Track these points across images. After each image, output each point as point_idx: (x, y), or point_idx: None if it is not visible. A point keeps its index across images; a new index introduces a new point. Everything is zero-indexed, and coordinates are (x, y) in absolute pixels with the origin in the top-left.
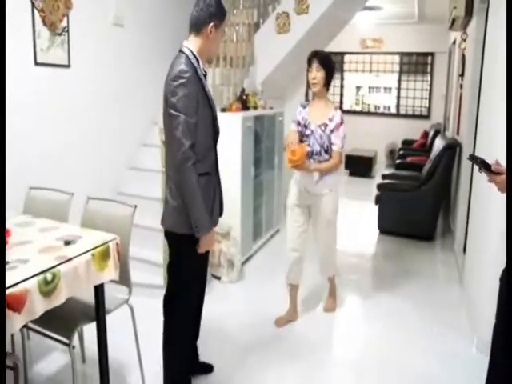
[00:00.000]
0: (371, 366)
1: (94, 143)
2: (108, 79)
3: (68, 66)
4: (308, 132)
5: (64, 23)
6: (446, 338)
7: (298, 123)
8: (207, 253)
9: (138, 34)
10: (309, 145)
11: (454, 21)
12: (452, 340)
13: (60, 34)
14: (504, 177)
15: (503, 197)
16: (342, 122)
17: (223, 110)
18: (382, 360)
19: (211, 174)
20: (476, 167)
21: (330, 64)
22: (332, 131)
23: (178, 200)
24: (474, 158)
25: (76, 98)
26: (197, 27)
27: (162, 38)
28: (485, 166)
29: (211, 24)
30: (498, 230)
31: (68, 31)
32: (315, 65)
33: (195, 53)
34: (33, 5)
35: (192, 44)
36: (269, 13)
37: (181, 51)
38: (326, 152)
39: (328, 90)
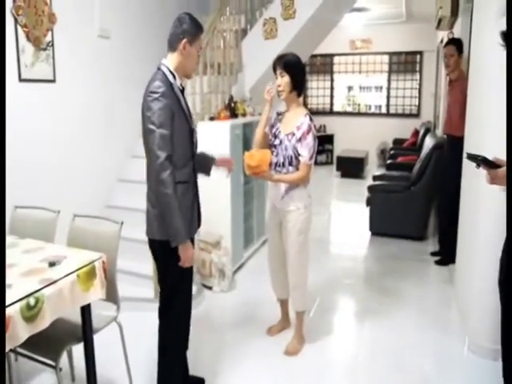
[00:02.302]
0: (363, 367)
1: (81, 157)
2: (94, 92)
3: (53, 81)
4: (277, 142)
5: (48, 38)
6: (437, 339)
7: (271, 127)
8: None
9: (125, 46)
10: (275, 156)
11: (440, 20)
12: (444, 341)
13: (45, 49)
14: (504, 168)
15: (492, 196)
16: (309, 130)
17: (211, 118)
18: (373, 361)
19: (189, 183)
20: (473, 164)
21: (295, 66)
22: (299, 140)
23: (158, 209)
24: (473, 157)
25: (62, 112)
26: (171, 44)
27: (149, 50)
28: (486, 163)
29: (184, 40)
30: (487, 229)
31: (53, 45)
32: (278, 70)
33: (172, 69)
34: (16, 20)
35: (169, 61)
36: (256, 19)
37: (158, 68)
38: (291, 164)
39: (300, 95)
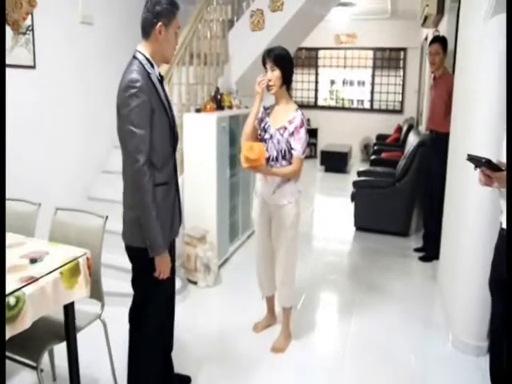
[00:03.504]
0: (348, 364)
1: (63, 146)
2: (76, 80)
3: (33, 67)
4: (267, 136)
5: (28, 22)
6: (422, 335)
7: (260, 121)
8: (173, 264)
9: (108, 33)
10: (266, 150)
11: (426, 18)
12: (428, 337)
13: (24, 34)
14: (504, 172)
15: (477, 193)
16: (302, 125)
17: (198, 110)
18: (358, 357)
19: (169, 184)
20: (471, 166)
21: (286, 60)
22: (292, 134)
23: (134, 213)
24: (476, 159)
25: (42, 99)
26: (145, 29)
27: (133, 37)
28: (490, 166)
29: (159, 24)
30: (472, 227)
31: (33, 30)
32: (269, 64)
33: (148, 57)
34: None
35: (144, 48)
36: (243, 9)
37: (134, 57)
38: (284, 158)
39: (289, 88)
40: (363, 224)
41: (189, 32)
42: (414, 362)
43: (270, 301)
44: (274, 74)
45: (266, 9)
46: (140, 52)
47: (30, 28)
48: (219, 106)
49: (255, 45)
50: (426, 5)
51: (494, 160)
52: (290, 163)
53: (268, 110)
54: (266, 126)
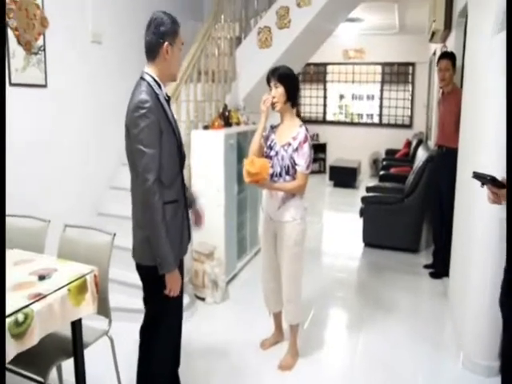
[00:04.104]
0: (357, 381)
1: (73, 163)
2: (86, 97)
3: (45, 86)
4: (272, 153)
5: (40, 42)
6: (431, 354)
7: (266, 139)
8: (183, 276)
9: (117, 51)
10: (271, 166)
11: (433, 33)
12: (438, 356)
13: (36, 53)
14: None
15: (486, 209)
16: (306, 140)
17: (205, 127)
18: (365, 376)
19: (178, 201)
20: (478, 183)
21: (289, 78)
22: (295, 150)
23: (145, 232)
24: (481, 176)
25: (53, 117)
26: (152, 52)
27: (142, 55)
28: (494, 183)
29: (165, 44)
30: (482, 244)
31: (44, 50)
32: (273, 82)
33: (156, 78)
34: (6, 23)
35: (151, 69)
36: (251, 27)
37: (141, 78)
38: (288, 173)
39: (294, 106)
40: (372, 240)
41: (197, 50)
42: (422, 381)
43: (277, 317)
44: (278, 91)
45: (274, 26)
46: (147, 73)
47: (42, 48)
48: (227, 122)
49: (263, 62)
50: (433, 20)
51: (499, 177)
52: (294, 179)
53: (274, 129)
54: (272, 144)
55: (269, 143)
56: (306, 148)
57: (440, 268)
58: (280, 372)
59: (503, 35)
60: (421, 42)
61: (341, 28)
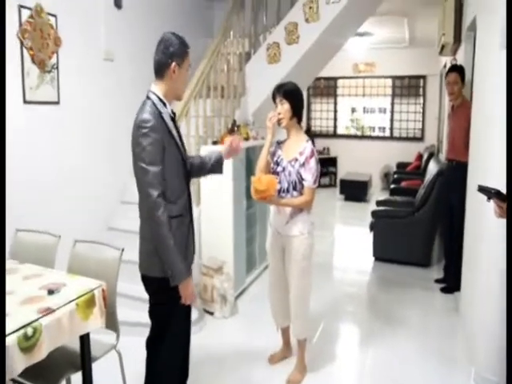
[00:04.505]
0: None
1: (85, 178)
2: (97, 113)
3: (57, 103)
4: (279, 169)
5: (53, 60)
6: (442, 370)
7: (273, 155)
8: None
9: (129, 68)
10: (278, 182)
11: (443, 47)
12: (449, 372)
13: (49, 72)
14: None
15: (497, 224)
16: (312, 155)
17: (214, 142)
18: None
19: (183, 216)
20: (484, 197)
21: (294, 94)
22: (302, 165)
23: (151, 245)
24: (485, 190)
25: (66, 133)
26: (160, 71)
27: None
28: (499, 197)
29: (173, 64)
30: (492, 258)
31: (57, 68)
32: (279, 98)
33: (161, 96)
34: (21, 43)
35: (158, 88)
36: (260, 43)
37: (147, 97)
38: (295, 189)
39: (299, 121)
40: (382, 254)
41: (206, 66)
42: None
43: (286, 332)
44: (284, 108)
45: (282, 42)
46: (153, 92)
47: (55, 66)
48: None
49: (272, 77)
50: (443, 34)
51: (504, 190)
52: (302, 194)
53: (281, 144)
54: (279, 160)
55: (275, 159)
56: (313, 163)
57: (452, 283)
58: None
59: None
60: (431, 54)
61: (350, 42)
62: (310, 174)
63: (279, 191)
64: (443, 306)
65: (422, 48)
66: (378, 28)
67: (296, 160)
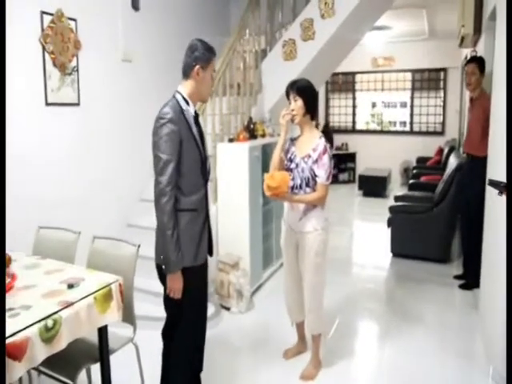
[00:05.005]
0: None
1: (105, 177)
2: (117, 113)
3: (78, 104)
4: (293, 166)
5: (73, 63)
6: (460, 367)
7: (287, 152)
8: (204, 284)
9: (147, 68)
10: (292, 179)
11: (463, 38)
12: (467, 369)
13: (70, 74)
14: None
15: None
16: (325, 151)
17: (231, 140)
18: None
19: (198, 211)
20: (495, 191)
21: (307, 90)
22: (315, 162)
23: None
24: (495, 184)
25: (86, 133)
26: (185, 72)
27: (171, 72)
28: (507, 190)
29: (197, 67)
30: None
31: (77, 70)
32: (292, 95)
33: (186, 96)
34: (43, 48)
35: (183, 87)
36: (276, 39)
37: (173, 96)
38: (308, 185)
39: (313, 118)
40: (400, 250)
41: (222, 64)
42: None
43: (300, 327)
44: (297, 104)
45: (298, 38)
46: (179, 92)
47: (75, 69)
48: (252, 135)
49: (288, 74)
50: (462, 25)
51: None
52: (315, 190)
53: (294, 141)
54: (292, 156)
55: (289, 156)
56: (326, 159)
57: (471, 279)
58: (302, 382)
59: None
60: (452, 46)
61: (369, 36)
62: (323, 170)
63: (292, 188)
64: (462, 303)
65: (442, 40)
66: (395, 21)
67: (309, 156)
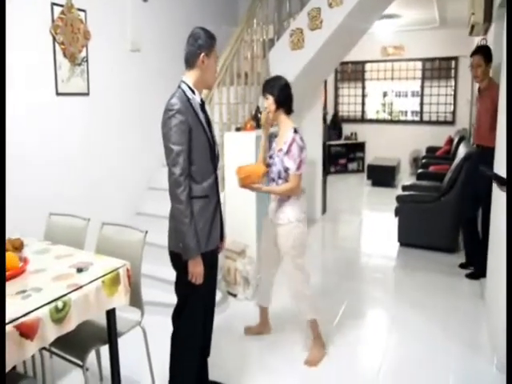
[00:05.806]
0: (387, 381)
1: (114, 165)
2: (126, 103)
3: (87, 94)
4: (271, 161)
5: (83, 53)
6: (465, 356)
7: (269, 149)
8: (214, 271)
9: (156, 58)
10: (270, 173)
11: (473, 27)
12: (472, 358)
13: (79, 64)
14: None
15: None
16: (292, 142)
17: (238, 129)
18: (394, 375)
19: (209, 197)
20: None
21: (275, 86)
22: (286, 153)
23: (174, 221)
24: (499, 177)
25: (96, 122)
26: (189, 61)
27: (179, 62)
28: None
29: (202, 54)
30: None
31: (87, 61)
32: (263, 94)
33: (191, 85)
34: (54, 39)
35: (188, 77)
36: (284, 29)
37: (178, 86)
38: (280, 177)
39: (288, 112)
40: (407, 239)
41: (229, 53)
42: (452, 383)
43: (264, 312)
44: (268, 102)
45: (306, 27)
46: (184, 82)
47: (85, 59)
48: (259, 124)
49: (295, 63)
50: (472, 13)
51: None
52: (287, 181)
53: (275, 138)
54: (272, 153)
55: (270, 153)
56: (295, 149)
57: (478, 269)
58: (307, 367)
59: None
60: (463, 35)
61: (378, 25)
62: (291, 161)
63: (270, 181)
64: (468, 292)
65: (453, 28)
66: (405, 9)
67: (280, 150)
